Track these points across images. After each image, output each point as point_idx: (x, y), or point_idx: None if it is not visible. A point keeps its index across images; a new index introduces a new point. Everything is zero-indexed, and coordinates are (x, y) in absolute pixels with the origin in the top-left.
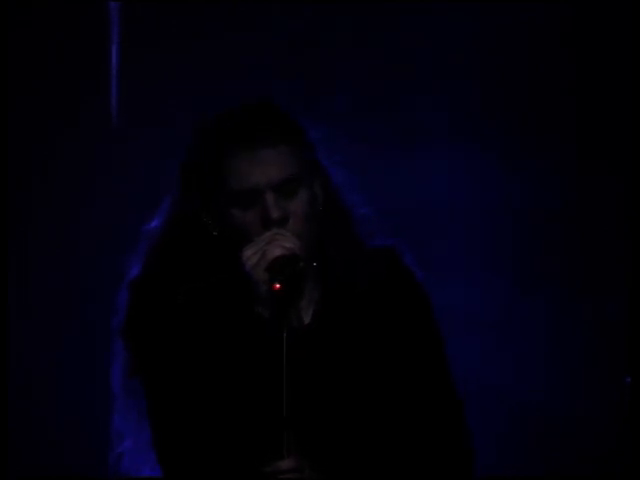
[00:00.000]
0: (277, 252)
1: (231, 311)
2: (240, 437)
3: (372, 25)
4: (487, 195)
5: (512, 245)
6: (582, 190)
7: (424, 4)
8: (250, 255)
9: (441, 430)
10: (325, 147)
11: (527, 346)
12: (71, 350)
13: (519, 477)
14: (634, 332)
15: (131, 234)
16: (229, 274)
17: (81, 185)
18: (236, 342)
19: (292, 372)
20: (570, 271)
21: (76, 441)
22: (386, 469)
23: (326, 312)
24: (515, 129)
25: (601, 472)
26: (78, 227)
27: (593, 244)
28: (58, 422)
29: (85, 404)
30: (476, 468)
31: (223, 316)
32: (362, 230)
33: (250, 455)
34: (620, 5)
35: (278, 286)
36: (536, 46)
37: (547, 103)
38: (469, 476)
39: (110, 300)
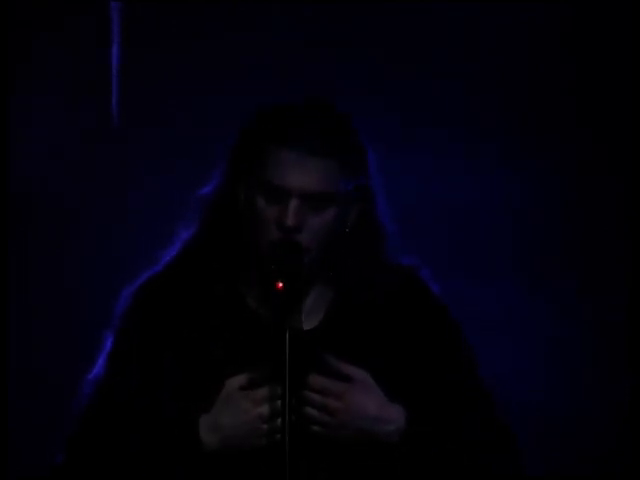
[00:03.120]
0: None
1: (233, 314)
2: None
3: (372, 25)
4: (487, 195)
5: (512, 245)
6: (582, 190)
7: (424, 4)
8: None
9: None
10: None
11: (527, 346)
12: (71, 350)
13: (519, 477)
14: (634, 332)
15: (131, 234)
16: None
17: (81, 185)
18: (238, 344)
19: (295, 373)
20: (570, 271)
21: None
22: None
23: (336, 318)
24: (515, 129)
25: (601, 472)
26: (78, 227)
27: (593, 244)
28: (58, 422)
29: None
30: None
31: (225, 318)
32: (388, 247)
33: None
34: (620, 5)
35: (280, 285)
36: (536, 46)
37: (547, 103)
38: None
39: (110, 300)
